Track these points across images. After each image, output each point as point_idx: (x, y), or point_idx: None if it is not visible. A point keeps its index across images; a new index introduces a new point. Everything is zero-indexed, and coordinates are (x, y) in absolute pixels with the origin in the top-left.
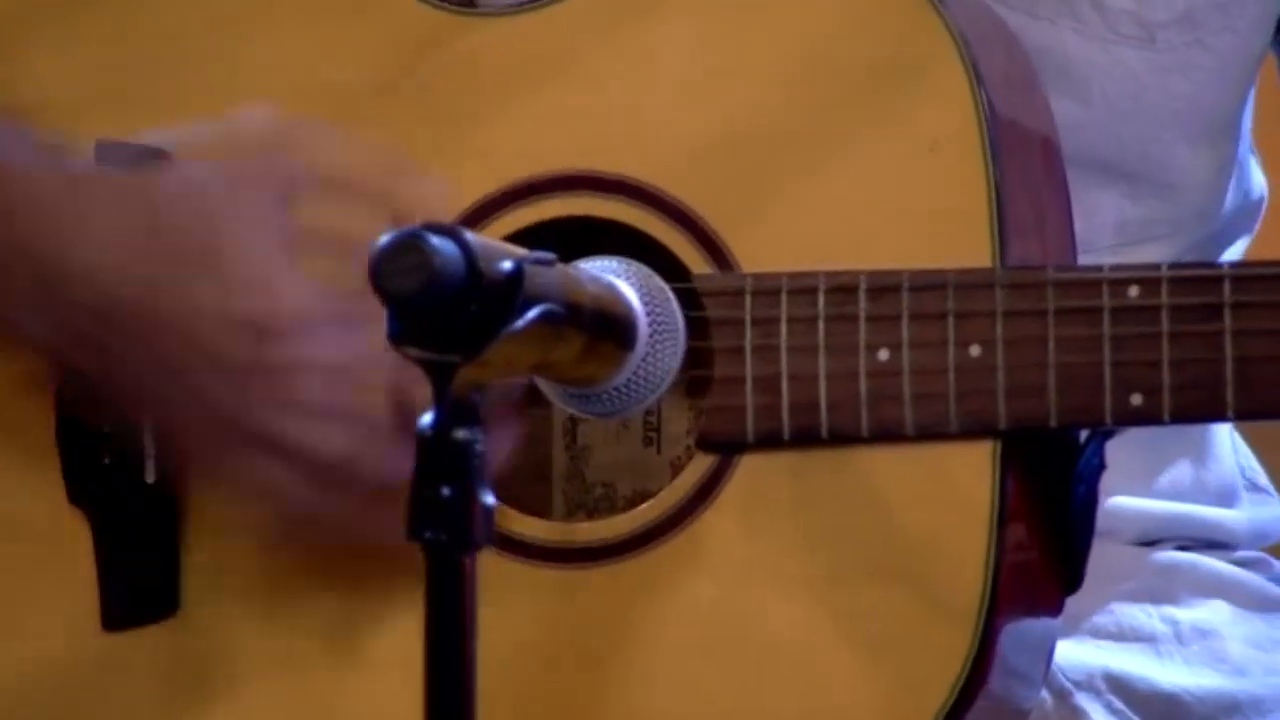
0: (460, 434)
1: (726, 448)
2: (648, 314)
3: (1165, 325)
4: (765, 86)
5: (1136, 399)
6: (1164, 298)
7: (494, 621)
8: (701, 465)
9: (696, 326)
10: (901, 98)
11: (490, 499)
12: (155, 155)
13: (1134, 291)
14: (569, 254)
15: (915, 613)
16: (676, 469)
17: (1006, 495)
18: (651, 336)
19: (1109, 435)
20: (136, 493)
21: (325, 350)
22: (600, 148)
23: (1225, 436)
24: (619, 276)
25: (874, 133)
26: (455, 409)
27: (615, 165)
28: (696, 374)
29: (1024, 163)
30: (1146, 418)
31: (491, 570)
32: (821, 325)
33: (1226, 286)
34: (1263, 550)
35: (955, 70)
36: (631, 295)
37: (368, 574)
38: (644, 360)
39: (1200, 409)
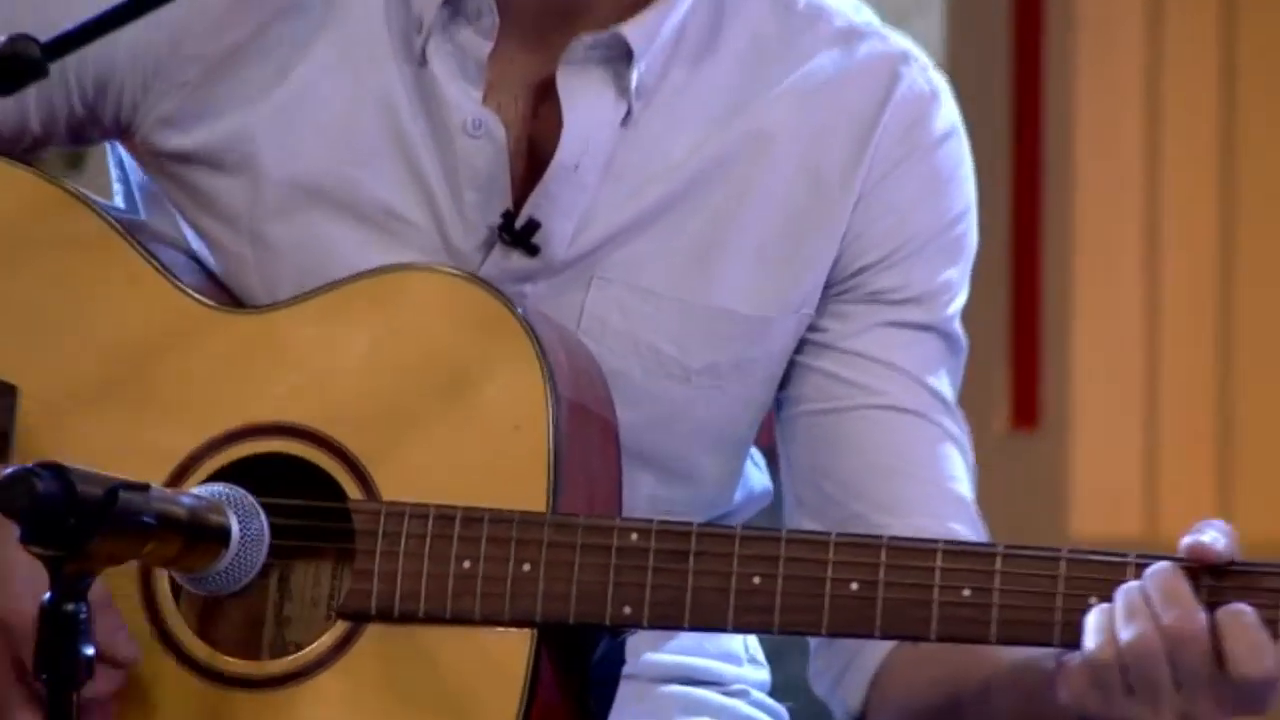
0: (69, 606)
1: (356, 618)
2: (240, 523)
3: (651, 561)
4: (401, 374)
5: (627, 609)
6: (653, 543)
7: (157, 712)
8: (338, 630)
9: (347, 535)
10: (493, 389)
11: (90, 650)
12: None
13: (634, 536)
14: (261, 481)
15: None
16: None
17: (540, 669)
18: (242, 538)
19: (621, 634)
20: None
21: None
22: (293, 406)
23: None
24: (220, 497)
25: (476, 414)
26: (67, 588)
27: (302, 419)
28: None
29: (583, 439)
30: (633, 623)
31: (171, 681)
32: (428, 541)
33: (692, 539)
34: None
35: (534, 371)
36: (229, 510)
37: None
38: (236, 555)
39: (670, 621)
